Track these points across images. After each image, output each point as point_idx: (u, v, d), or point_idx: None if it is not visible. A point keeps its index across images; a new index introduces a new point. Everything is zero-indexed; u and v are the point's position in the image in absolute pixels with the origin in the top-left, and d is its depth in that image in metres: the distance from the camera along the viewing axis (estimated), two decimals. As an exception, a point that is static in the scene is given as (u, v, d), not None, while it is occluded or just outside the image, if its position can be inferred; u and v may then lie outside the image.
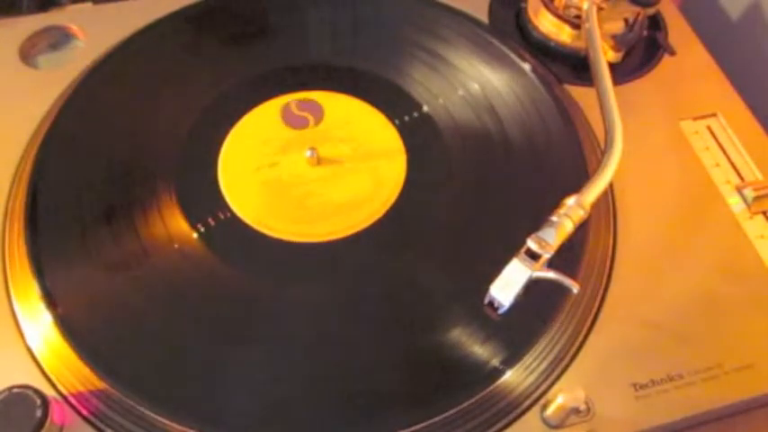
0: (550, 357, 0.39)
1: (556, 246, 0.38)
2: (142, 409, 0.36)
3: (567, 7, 0.52)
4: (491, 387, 0.37)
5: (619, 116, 0.43)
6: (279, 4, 0.54)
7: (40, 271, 0.40)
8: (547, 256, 0.38)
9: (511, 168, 0.47)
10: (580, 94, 0.51)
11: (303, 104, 0.50)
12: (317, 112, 0.50)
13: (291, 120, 0.49)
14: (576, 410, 0.36)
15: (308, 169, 0.47)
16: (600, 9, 0.51)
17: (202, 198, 0.45)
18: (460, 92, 0.50)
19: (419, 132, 0.49)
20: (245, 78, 0.51)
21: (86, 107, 0.48)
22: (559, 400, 0.36)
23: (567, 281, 0.37)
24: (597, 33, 0.49)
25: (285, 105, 0.50)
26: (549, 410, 0.37)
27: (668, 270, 0.43)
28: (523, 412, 0.37)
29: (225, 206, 0.45)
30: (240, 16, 0.54)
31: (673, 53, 0.53)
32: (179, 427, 0.36)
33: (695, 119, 0.50)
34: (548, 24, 0.53)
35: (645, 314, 0.41)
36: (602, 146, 0.43)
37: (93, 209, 0.43)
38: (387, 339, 0.40)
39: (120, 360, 0.38)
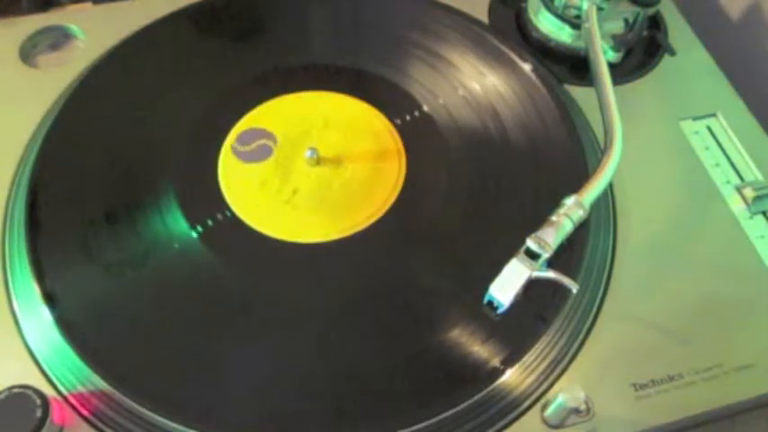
0: (550, 357, 0.39)
1: (555, 246, 0.38)
2: (142, 408, 0.36)
3: (566, 7, 0.52)
4: (491, 387, 0.37)
5: (619, 116, 0.43)
6: (279, 4, 0.54)
7: (40, 271, 0.40)
8: (546, 255, 0.38)
9: (510, 168, 0.47)
10: (580, 94, 0.51)
11: (244, 138, 0.48)
12: (265, 134, 0.48)
13: (253, 156, 0.47)
14: (575, 410, 0.36)
15: (313, 171, 0.47)
16: (600, 9, 0.51)
17: (202, 198, 0.45)
18: (460, 92, 0.50)
19: (419, 132, 0.49)
20: (244, 78, 0.51)
21: (86, 107, 0.48)
22: (559, 399, 0.36)
23: (567, 280, 0.37)
24: (597, 33, 0.49)
25: (233, 150, 0.47)
26: (549, 410, 0.37)
27: (668, 270, 0.43)
28: (523, 412, 0.37)
29: (225, 206, 0.45)
30: (240, 16, 0.54)
31: (673, 53, 0.53)
32: (179, 427, 0.36)
33: (695, 119, 0.50)
34: (548, 24, 0.53)
35: (645, 314, 0.41)
36: (603, 146, 0.43)
37: (93, 209, 0.43)
38: (387, 339, 0.40)
39: (120, 360, 0.38)
